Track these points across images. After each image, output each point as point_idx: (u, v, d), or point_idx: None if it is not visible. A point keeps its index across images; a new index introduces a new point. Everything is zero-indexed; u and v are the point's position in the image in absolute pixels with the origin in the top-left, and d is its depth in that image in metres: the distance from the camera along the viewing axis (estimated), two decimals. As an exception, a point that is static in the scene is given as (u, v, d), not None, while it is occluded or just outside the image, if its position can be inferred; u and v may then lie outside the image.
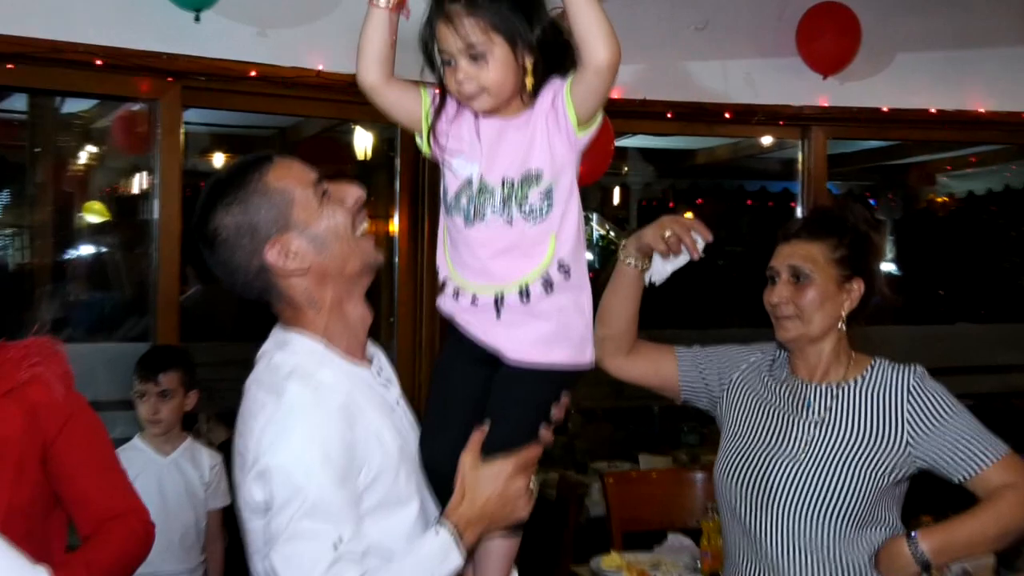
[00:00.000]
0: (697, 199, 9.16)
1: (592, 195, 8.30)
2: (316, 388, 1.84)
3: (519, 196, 1.91)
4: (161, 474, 3.70)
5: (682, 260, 2.45)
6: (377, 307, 5.36)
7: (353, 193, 1.97)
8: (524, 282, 1.91)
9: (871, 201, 9.06)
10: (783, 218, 6.86)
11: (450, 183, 2.00)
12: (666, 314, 7.50)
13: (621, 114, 4.74)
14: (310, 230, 1.90)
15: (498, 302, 1.93)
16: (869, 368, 2.50)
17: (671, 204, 9.23)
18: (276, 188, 1.90)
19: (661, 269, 2.47)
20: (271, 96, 4.41)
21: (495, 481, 1.93)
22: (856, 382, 2.49)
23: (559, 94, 1.91)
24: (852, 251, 2.49)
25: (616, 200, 9.12)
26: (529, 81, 1.91)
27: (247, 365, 1.99)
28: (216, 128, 6.82)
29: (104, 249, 6.34)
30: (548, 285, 1.92)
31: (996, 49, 5.28)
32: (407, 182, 4.85)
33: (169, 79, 4.19)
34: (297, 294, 1.93)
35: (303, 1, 4.42)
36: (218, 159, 7.12)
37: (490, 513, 1.93)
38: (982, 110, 5.24)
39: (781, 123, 5.15)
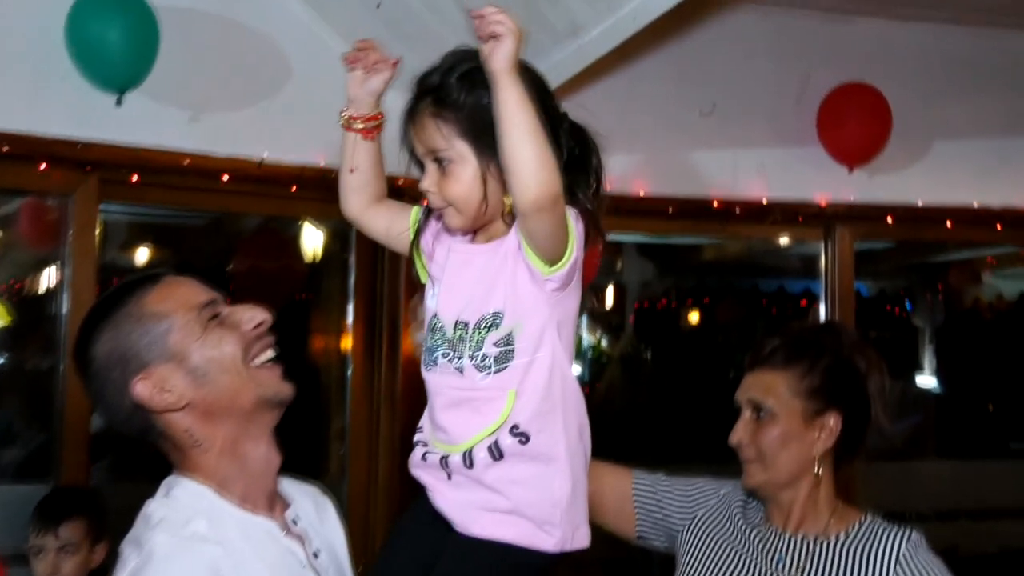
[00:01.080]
0: (705, 299, 9.12)
1: (582, 296, 8.21)
2: (184, 541, 1.83)
3: (473, 341, 1.88)
4: (60, 645, 3.58)
5: None
6: (327, 436, 5.25)
7: (252, 317, 1.97)
8: (469, 445, 1.88)
9: (907, 304, 9.05)
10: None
11: (425, 318, 2.01)
12: (671, 444, 7.46)
13: (614, 211, 4.70)
14: (189, 360, 1.91)
15: (444, 463, 1.91)
16: (857, 524, 2.43)
17: (673, 304, 9.20)
18: (153, 312, 1.92)
19: None
20: (205, 190, 4.41)
21: None
22: (838, 538, 2.42)
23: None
24: (827, 379, 2.42)
25: (609, 302, 9.06)
26: (508, 201, 1.88)
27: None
28: (139, 217, 6.77)
29: (2, 360, 6.25)
30: (496, 452, 1.87)
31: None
32: (363, 288, 4.82)
33: (85, 170, 4.17)
34: (178, 434, 1.93)
35: (242, 82, 4.44)
36: (141, 254, 7.04)
37: None
38: (1033, 207, 5.27)
39: (801, 221, 5.16)
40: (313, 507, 2.11)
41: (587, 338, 8.79)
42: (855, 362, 2.46)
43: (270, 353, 1.98)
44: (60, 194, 4.27)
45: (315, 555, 1.99)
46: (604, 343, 8.89)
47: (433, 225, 2.02)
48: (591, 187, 1.93)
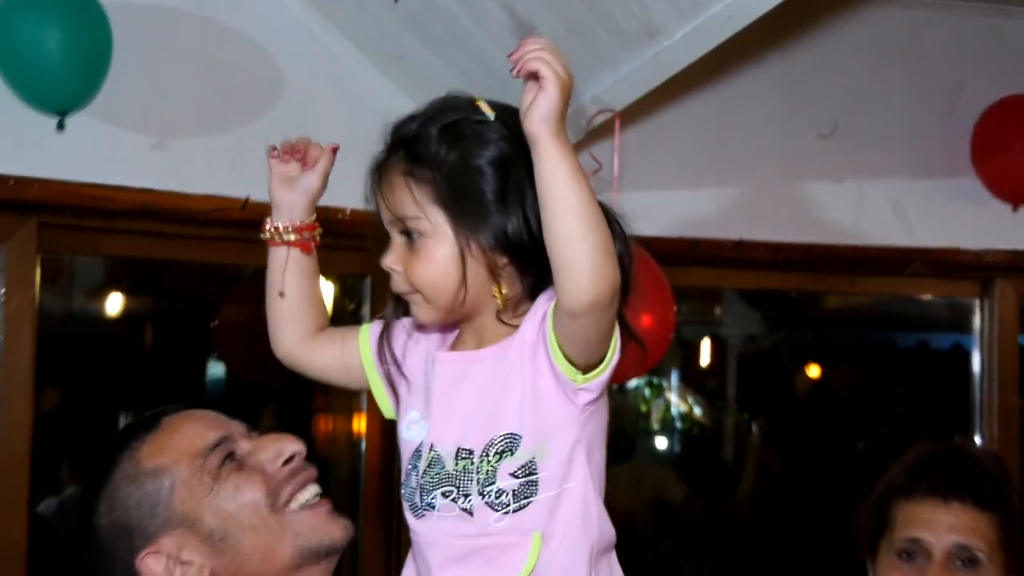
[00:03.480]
0: (825, 358, 8.90)
1: (670, 352, 8.08)
2: None
3: (482, 473, 1.80)
4: None
5: None
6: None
7: (278, 451, 1.90)
8: None
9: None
10: (953, 388, 6.66)
11: (401, 453, 1.93)
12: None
13: (702, 261, 4.59)
14: (202, 523, 1.84)
15: None
16: None
17: (785, 361, 9.02)
18: (150, 469, 1.85)
19: None
20: (173, 237, 4.22)
21: None
22: None
23: (547, 320, 1.79)
24: (1018, 532, 2.34)
25: (706, 359, 8.89)
26: (498, 292, 1.83)
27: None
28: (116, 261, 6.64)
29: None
30: None
31: None
32: (381, 353, 4.61)
33: (19, 213, 3.98)
34: None
35: (222, 99, 4.23)
36: (113, 302, 6.92)
37: None
38: None
39: (950, 274, 4.92)
40: None
41: (676, 405, 8.64)
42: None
43: (311, 490, 1.91)
44: (-14, 245, 4.09)
45: None
46: (696, 411, 8.74)
47: (406, 323, 1.97)
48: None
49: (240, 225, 4.12)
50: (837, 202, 4.74)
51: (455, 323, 1.90)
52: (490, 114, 1.80)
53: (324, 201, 3.77)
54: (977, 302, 5.03)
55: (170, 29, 4.13)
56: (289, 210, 2.01)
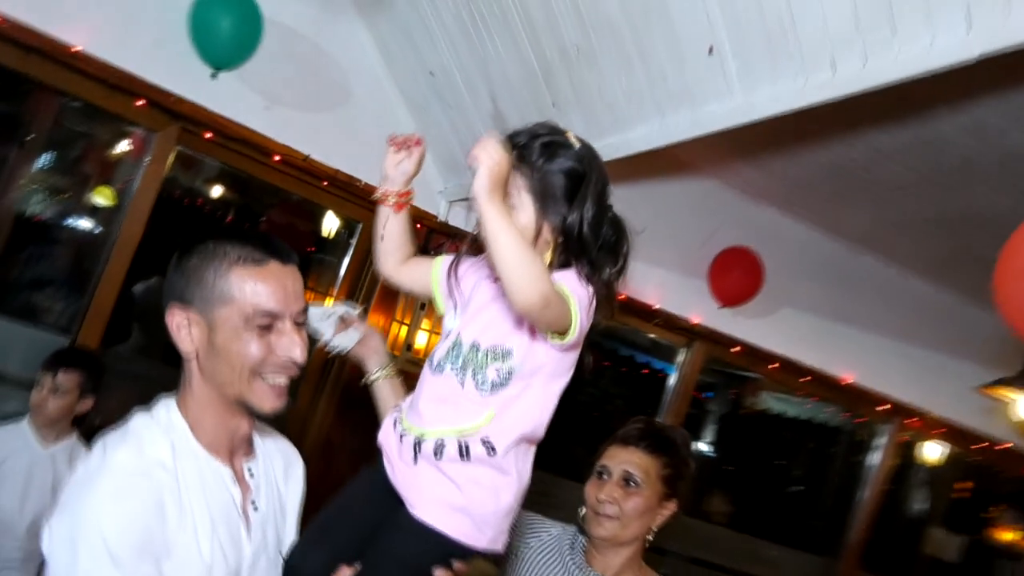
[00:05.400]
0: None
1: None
2: (142, 463, 1.42)
3: (479, 362, 1.54)
4: (32, 462, 2.99)
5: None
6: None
7: (289, 350, 1.49)
8: (442, 434, 1.53)
9: (708, 393, 8.63)
10: (641, 386, 6.35)
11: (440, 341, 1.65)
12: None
13: None
14: (216, 336, 1.47)
15: (417, 446, 1.54)
16: None
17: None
18: (229, 282, 1.47)
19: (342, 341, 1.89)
20: (259, 163, 3.71)
21: None
22: None
23: None
24: (675, 473, 2.10)
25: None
26: (547, 257, 1.54)
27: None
28: (224, 167, 6.10)
29: (99, 230, 5.46)
30: (465, 451, 1.52)
31: (865, 333, 4.82)
32: (354, 267, 4.15)
33: (171, 118, 3.49)
34: (185, 364, 1.53)
35: (312, 93, 3.75)
36: (215, 190, 6.35)
37: None
38: (843, 376, 4.81)
39: (674, 329, 4.57)
40: (282, 464, 1.68)
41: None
42: (689, 466, 2.15)
43: (282, 379, 1.51)
44: (148, 129, 3.57)
45: (254, 505, 1.56)
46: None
47: (462, 267, 1.67)
48: (617, 267, 1.61)
49: (300, 170, 3.73)
50: (634, 276, 4.34)
51: None
52: (575, 143, 1.52)
53: (350, 173, 3.28)
54: (684, 349, 4.71)
55: (294, 43, 3.67)
56: (393, 182, 1.64)
